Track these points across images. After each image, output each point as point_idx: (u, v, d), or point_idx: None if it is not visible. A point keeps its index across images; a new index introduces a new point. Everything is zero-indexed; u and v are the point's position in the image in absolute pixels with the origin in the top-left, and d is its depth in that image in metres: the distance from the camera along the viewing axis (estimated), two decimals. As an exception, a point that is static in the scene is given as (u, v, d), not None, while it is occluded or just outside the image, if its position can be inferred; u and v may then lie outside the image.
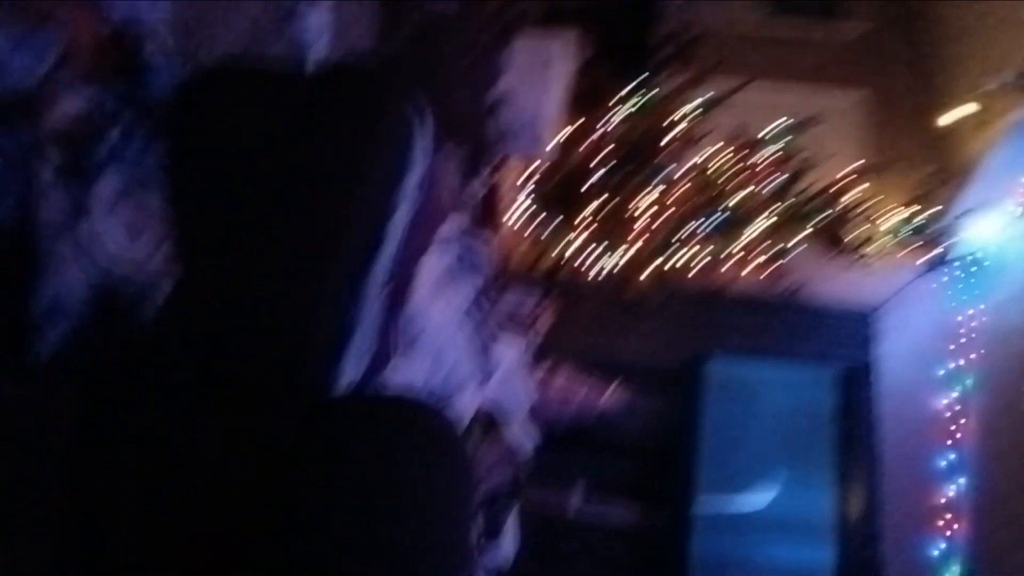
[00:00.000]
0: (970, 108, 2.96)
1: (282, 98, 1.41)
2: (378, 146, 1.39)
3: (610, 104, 2.97)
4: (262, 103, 1.39)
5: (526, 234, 3.25)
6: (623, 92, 2.98)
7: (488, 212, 2.50)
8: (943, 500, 2.97)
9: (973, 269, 3.28)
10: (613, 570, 3.02)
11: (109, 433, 1.09)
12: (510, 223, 2.91)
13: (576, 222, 3.09)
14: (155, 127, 1.18)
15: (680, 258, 3.13)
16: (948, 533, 2.90)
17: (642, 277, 3.26)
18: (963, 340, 3.21)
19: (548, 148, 2.22)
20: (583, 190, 2.97)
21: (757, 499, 2.96)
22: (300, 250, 1.31)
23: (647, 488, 3.16)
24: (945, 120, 3.14)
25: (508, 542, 2.24)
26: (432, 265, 1.61)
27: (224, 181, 1.31)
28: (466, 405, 1.93)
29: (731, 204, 2.99)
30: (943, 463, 3.04)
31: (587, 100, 2.95)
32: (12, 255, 1.02)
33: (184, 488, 1.10)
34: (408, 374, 1.57)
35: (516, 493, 2.17)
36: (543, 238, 3.23)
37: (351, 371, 1.39)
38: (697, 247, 3.11)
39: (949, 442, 3.06)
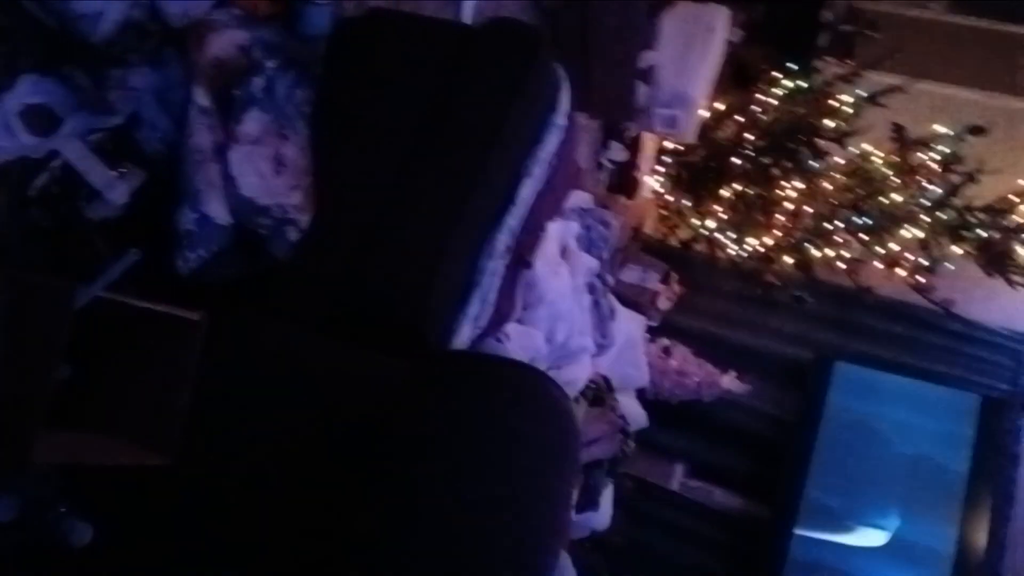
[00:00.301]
0: None
1: (435, 48, 1.44)
2: (523, 105, 1.41)
3: (762, 87, 2.83)
4: (414, 51, 1.44)
5: (659, 209, 3.19)
6: (778, 75, 2.83)
7: (622, 183, 2.47)
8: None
9: None
10: (707, 548, 3.01)
11: (237, 353, 1.17)
12: (644, 196, 2.87)
13: (713, 203, 2.99)
14: (303, 72, 1.23)
15: (821, 253, 2.98)
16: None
17: (778, 267, 3.14)
18: None
19: (692, 129, 2.15)
20: (724, 172, 2.86)
21: (869, 536, 2.84)
22: (433, 203, 1.35)
23: (752, 480, 3.09)
24: None
25: (604, 511, 2.27)
26: (558, 234, 1.62)
27: (368, 127, 1.37)
28: (577, 375, 1.94)
29: (884, 205, 2.80)
30: (1085, 512, 2.81)
31: (739, 80, 2.82)
32: (164, 176, 1.10)
33: (299, 412, 1.18)
34: (524, 338, 1.60)
35: (618, 465, 2.18)
36: (676, 216, 3.16)
37: (468, 327, 1.43)
38: (841, 244, 2.95)
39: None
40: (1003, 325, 3.11)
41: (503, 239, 1.41)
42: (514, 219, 1.41)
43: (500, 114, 1.37)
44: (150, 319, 1.02)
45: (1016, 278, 2.82)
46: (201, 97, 1.09)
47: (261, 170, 1.16)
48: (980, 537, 2.71)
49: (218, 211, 1.13)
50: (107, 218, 1.06)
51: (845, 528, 2.86)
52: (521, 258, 1.50)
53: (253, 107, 1.12)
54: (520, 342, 1.57)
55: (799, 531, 2.83)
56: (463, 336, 1.41)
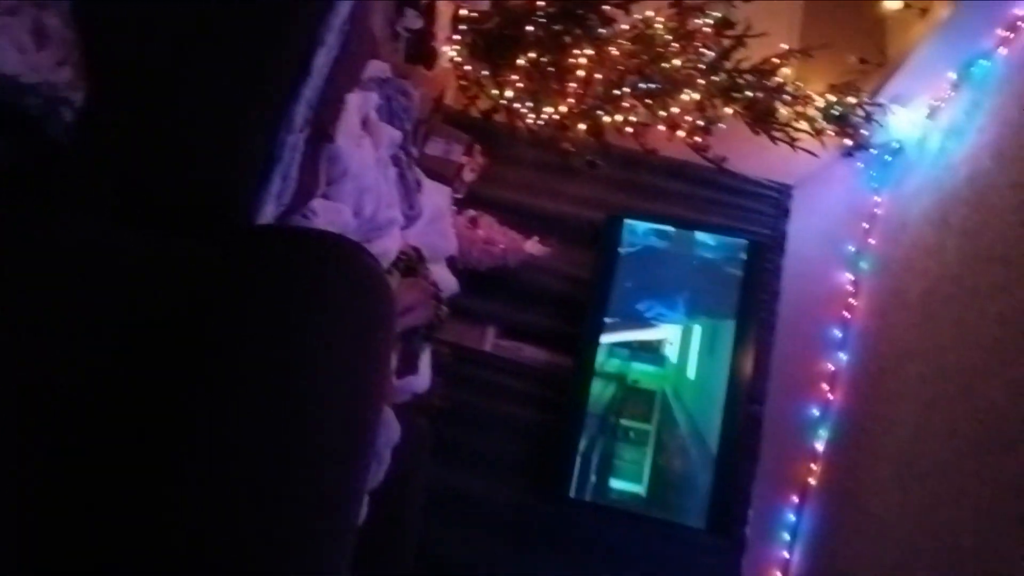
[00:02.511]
0: (897, 2, 2.97)
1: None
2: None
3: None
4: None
5: (459, 80, 3.19)
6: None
7: (420, 53, 2.44)
8: (825, 370, 3.25)
9: (887, 158, 3.43)
10: (520, 400, 3.25)
11: (22, 249, 1.09)
12: (442, 66, 2.85)
13: (510, 72, 3.04)
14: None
15: (611, 119, 3.14)
16: (825, 400, 3.20)
17: (572, 134, 3.27)
18: (866, 225, 3.41)
19: (485, -3, 2.15)
20: (519, 40, 2.90)
21: (659, 332, 3.16)
22: (224, 74, 1.28)
23: (557, 335, 3.33)
24: (887, 6, 3.14)
25: (424, 374, 2.37)
26: (357, 106, 1.61)
27: (143, -4, 1.26)
28: (388, 247, 1.97)
29: (665, 69, 2.98)
30: (831, 337, 3.30)
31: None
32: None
33: (101, 308, 1.13)
34: (331, 213, 1.60)
35: (434, 330, 2.27)
36: (476, 86, 3.18)
37: (272, 205, 1.41)
38: (629, 109, 3.12)
39: (839, 318, 3.32)
40: (766, 177, 3.49)
41: (301, 111, 1.38)
42: (310, 90, 1.38)
43: (287, -20, 1.31)
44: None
45: (778, 134, 3.12)
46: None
47: (21, 43, 1.04)
48: (748, 363, 3.12)
49: (-25, 90, 1.02)
50: None
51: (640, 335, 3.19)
52: (322, 131, 1.48)
53: (1, -31, 1.00)
54: (327, 217, 1.57)
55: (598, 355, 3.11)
56: (267, 214, 1.39)
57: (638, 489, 2.97)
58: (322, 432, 1.02)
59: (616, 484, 2.98)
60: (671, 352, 3.15)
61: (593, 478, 2.98)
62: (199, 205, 1.26)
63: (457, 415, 3.09)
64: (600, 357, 3.13)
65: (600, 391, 3.10)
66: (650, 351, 3.16)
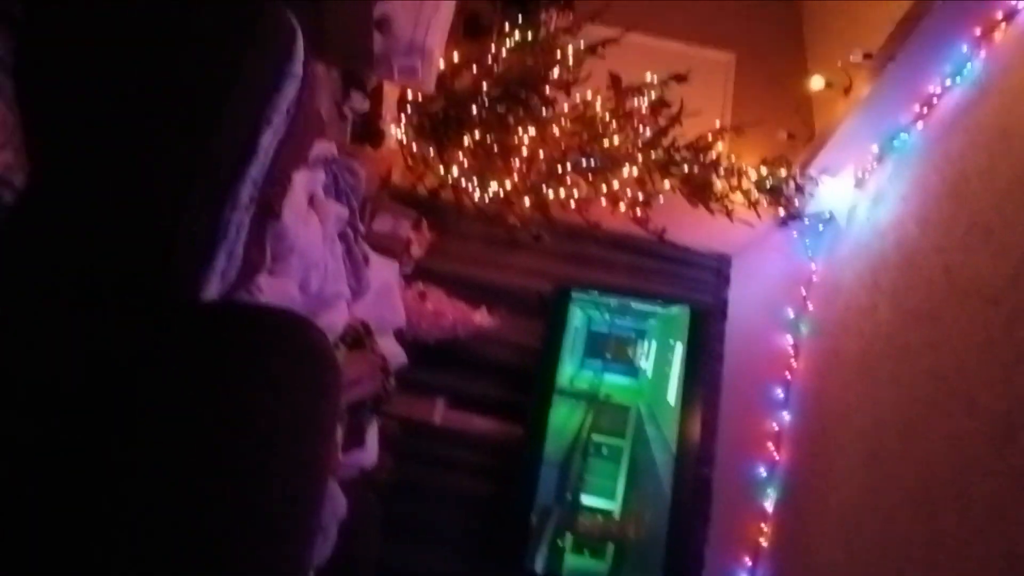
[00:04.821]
0: (821, 81, 3.18)
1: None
2: (257, 52, 1.40)
3: (494, 39, 2.99)
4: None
5: (406, 159, 3.27)
6: (507, 27, 3.01)
7: (367, 134, 2.51)
8: (770, 430, 3.32)
9: (820, 227, 3.60)
10: (471, 472, 3.21)
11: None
12: (389, 146, 2.92)
13: (456, 151, 3.13)
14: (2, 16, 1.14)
15: (555, 194, 3.24)
16: (772, 460, 3.25)
17: (518, 209, 3.36)
18: (803, 290, 3.54)
19: (431, 79, 2.24)
20: (463, 121, 3.00)
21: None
22: (168, 156, 1.31)
23: (507, 404, 3.34)
24: (813, 85, 3.34)
25: (371, 448, 2.36)
26: (304, 184, 1.64)
27: (85, 76, 1.28)
28: (334, 320, 1.99)
29: (605, 147, 3.10)
30: (774, 397, 3.38)
31: (471, 31, 2.96)
32: None
33: (41, 387, 1.12)
34: (276, 289, 1.62)
35: (381, 403, 2.27)
36: (422, 164, 3.26)
37: (216, 283, 1.42)
38: (572, 185, 3.22)
39: (781, 379, 3.41)
40: (705, 247, 3.61)
41: (246, 191, 1.40)
42: (256, 170, 1.41)
43: (233, 64, 1.35)
44: None
45: (714, 206, 3.25)
46: None
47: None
48: (695, 423, 3.16)
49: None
50: None
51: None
52: (268, 209, 1.51)
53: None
54: (273, 293, 1.58)
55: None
56: (211, 292, 1.40)
57: (611, 506, 2.94)
58: (265, 505, 1.02)
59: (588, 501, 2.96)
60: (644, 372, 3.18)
61: (546, 551, 2.96)
62: (143, 285, 1.27)
63: (408, 489, 3.05)
64: (569, 373, 3.15)
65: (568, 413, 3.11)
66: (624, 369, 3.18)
